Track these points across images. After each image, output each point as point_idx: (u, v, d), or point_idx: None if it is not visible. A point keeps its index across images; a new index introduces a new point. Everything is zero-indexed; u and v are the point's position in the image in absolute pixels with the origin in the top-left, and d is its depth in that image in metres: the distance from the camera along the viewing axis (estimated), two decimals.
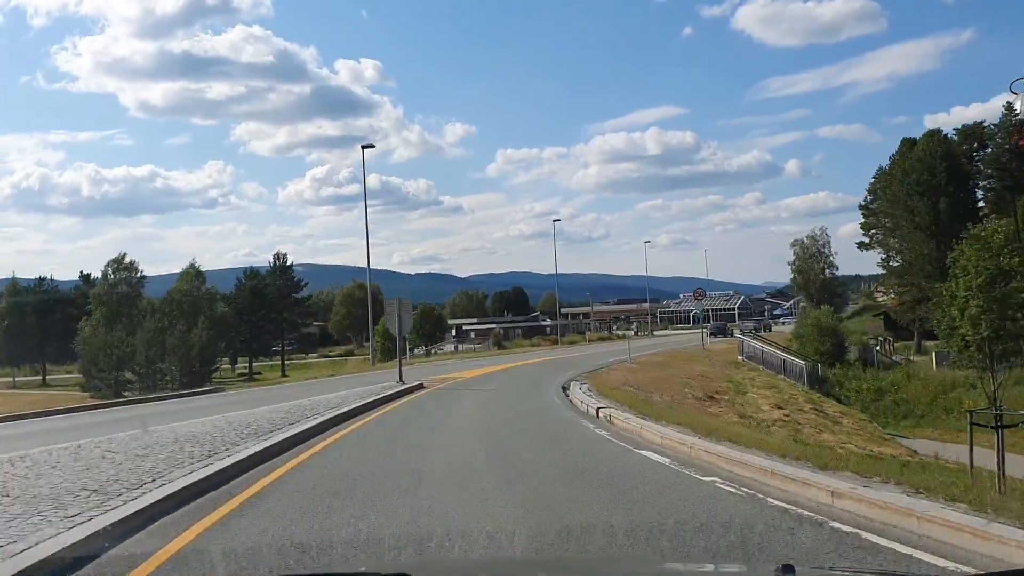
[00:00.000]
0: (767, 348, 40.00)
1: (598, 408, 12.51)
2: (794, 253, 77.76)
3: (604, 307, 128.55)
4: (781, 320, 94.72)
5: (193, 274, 69.28)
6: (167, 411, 18.25)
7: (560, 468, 7.64)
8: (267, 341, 71.83)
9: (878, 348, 50.67)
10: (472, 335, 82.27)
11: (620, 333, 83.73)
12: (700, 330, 54.37)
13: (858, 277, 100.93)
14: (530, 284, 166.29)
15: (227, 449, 8.79)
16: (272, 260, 73.25)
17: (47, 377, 71.41)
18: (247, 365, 70.54)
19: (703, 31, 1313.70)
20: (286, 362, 72.00)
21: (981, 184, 60.22)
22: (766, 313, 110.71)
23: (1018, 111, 14.52)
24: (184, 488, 6.54)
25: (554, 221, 72.07)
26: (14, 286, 72.26)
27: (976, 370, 23.52)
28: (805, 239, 78.57)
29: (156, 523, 5.53)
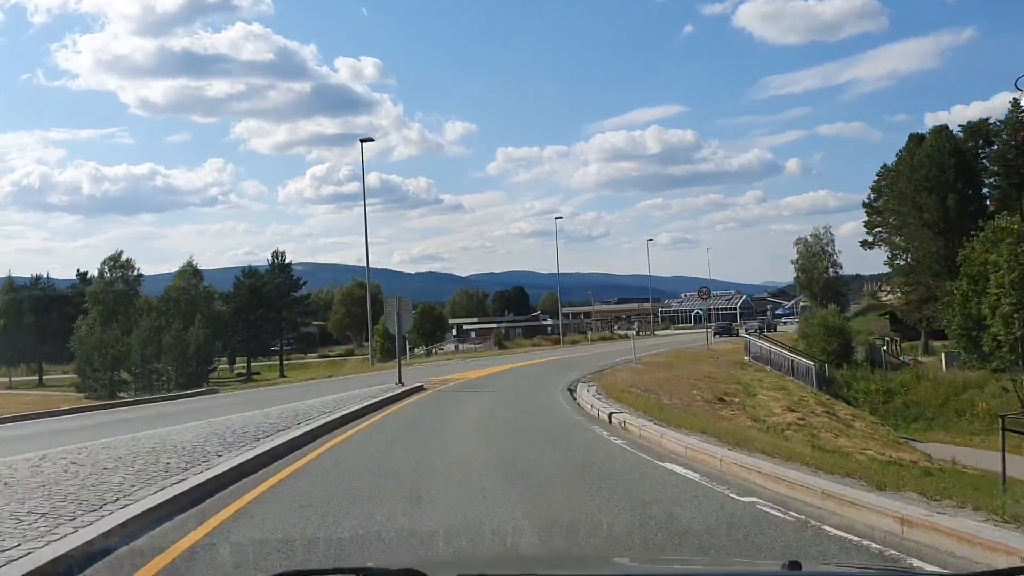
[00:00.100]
0: (774, 348, 39.20)
1: (610, 413, 11.68)
2: (797, 252, 77.10)
3: (605, 306, 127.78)
4: (783, 320, 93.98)
5: (190, 272, 68.50)
6: (154, 414, 17.45)
7: (579, 485, 6.82)
8: (266, 341, 71.02)
9: (884, 348, 49.90)
10: (473, 335, 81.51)
11: (622, 333, 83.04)
12: (704, 330, 53.56)
13: (859, 277, 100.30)
14: (530, 283, 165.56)
15: (206, 461, 7.98)
16: (271, 258, 72.46)
17: (44, 377, 70.51)
18: (245, 365, 69.78)
19: (704, 29, 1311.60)
20: (285, 362, 71.23)
21: (987, 181, 59.50)
22: (768, 313, 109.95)
23: None
24: (148, 511, 5.72)
25: (556, 218, 71.78)
26: (10, 284, 71.44)
27: (1008, 372, 22.65)
28: (809, 237, 77.92)
29: (104, 559, 4.70)
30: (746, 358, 38.65)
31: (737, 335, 61.28)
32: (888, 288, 74.30)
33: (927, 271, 52.72)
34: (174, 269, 71.64)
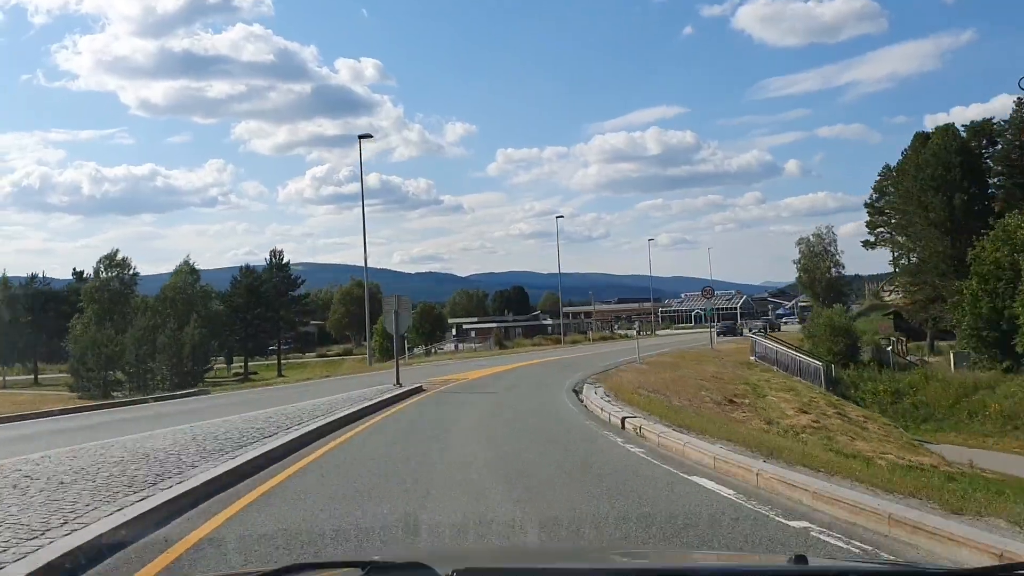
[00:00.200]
0: (781, 348, 38.43)
1: (623, 418, 10.81)
2: (799, 251, 76.29)
3: (605, 306, 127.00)
4: (784, 320, 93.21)
5: (187, 271, 67.64)
6: (139, 416, 16.59)
7: (597, 503, 5.98)
8: (263, 340, 70.21)
9: (890, 348, 49.09)
10: (472, 334, 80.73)
11: (622, 333, 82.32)
12: (708, 329, 52.76)
13: (858, 277, 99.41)
14: (530, 283, 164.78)
15: (179, 473, 7.14)
16: (268, 257, 71.57)
17: (39, 376, 69.60)
18: (243, 365, 68.94)
19: (703, 30, 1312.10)
20: (283, 361, 70.38)
21: (991, 181, 58.82)
22: (769, 313, 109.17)
23: None
24: (97, 538, 4.88)
25: (557, 217, 70.62)
26: (4, 283, 70.60)
27: None
28: (811, 237, 77.17)
29: None
30: (752, 358, 37.93)
31: (741, 335, 60.51)
32: (891, 288, 73.60)
33: (933, 271, 51.91)
34: (174, 269, 70.86)
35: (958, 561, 4.05)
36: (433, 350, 66.38)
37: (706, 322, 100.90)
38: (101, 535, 4.93)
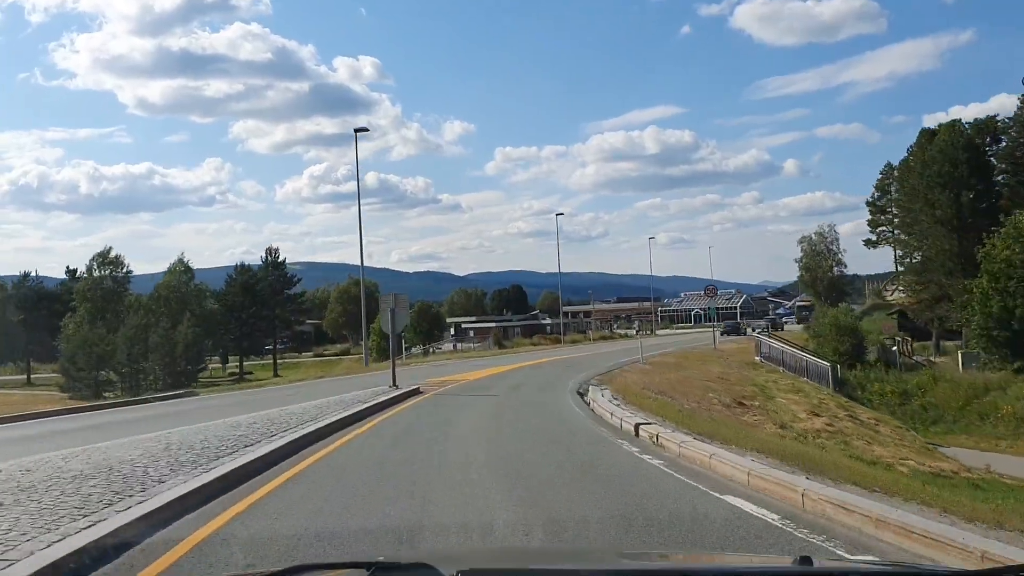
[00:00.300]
0: (787, 348, 37.64)
1: (637, 424, 9.92)
2: (801, 250, 75.53)
3: (604, 305, 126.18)
4: (783, 320, 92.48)
5: (181, 269, 66.75)
6: (118, 420, 15.71)
7: (626, 535, 5.11)
8: (259, 339, 69.32)
9: (894, 348, 48.30)
10: (471, 333, 79.89)
11: (621, 332, 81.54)
12: (710, 329, 51.95)
13: (857, 276, 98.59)
14: (529, 283, 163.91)
15: (142, 491, 6.28)
16: (264, 255, 70.65)
17: (32, 376, 68.65)
18: (238, 364, 68.08)
19: (701, 30, 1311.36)
20: (279, 361, 69.50)
21: (995, 179, 58.16)
22: (769, 312, 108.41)
23: None
24: None
25: (557, 215, 69.76)
26: None
27: None
28: (813, 236, 76.42)
29: None
30: (757, 358, 37.20)
31: (744, 334, 59.74)
32: (894, 287, 72.89)
33: (940, 269, 51.13)
34: (167, 267, 69.99)
35: None
36: (431, 350, 65.52)
37: (706, 321, 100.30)
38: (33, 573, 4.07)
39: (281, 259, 70.44)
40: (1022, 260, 34.66)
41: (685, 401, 18.77)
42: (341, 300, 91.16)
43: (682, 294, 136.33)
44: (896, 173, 73.64)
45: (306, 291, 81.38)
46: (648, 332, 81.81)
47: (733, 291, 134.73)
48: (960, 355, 42.88)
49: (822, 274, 75.19)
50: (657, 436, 8.85)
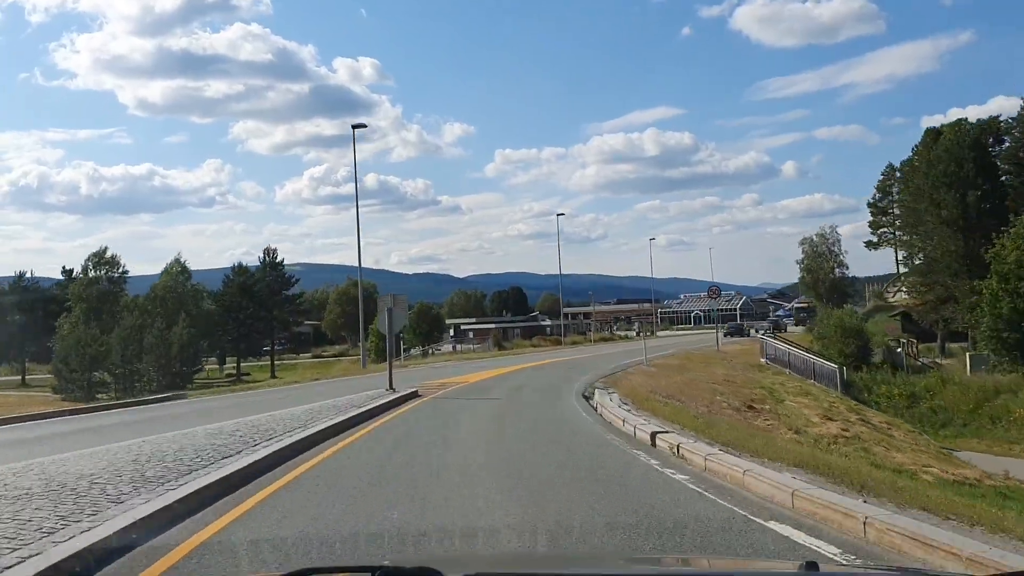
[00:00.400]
0: (793, 350, 36.90)
1: (653, 433, 9.10)
2: (803, 251, 74.76)
3: (604, 307, 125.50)
4: (783, 321, 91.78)
5: (178, 269, 65.96)
6: (94, 427, 14.82)
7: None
8: (256, 340, 68.54)
9: (899, 350, 47.56)
10: (471, 335, 79.12)
11: (622, 334, 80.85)
12: (712, 330, 51.16)
13: (855, 279, 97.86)
14: (528, 284, 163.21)
15: (93, 514, 5.48)
16: (262, 256, 69.82)
17: (28, 377, 67.82)
18: (235, 366, 67.30)
19: (701, 31, 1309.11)
20: (277, 362, 68.71)
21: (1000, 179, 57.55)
22: (769, 314, 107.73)
23: None
24: None
25: (558, 215, 69.20)
26: None
27: None
28: (814, 237, 75.64)
29: None
30: (762, 360, 36.51)
31: (748, 336, 59.00)
32: (895, 289, 72.21)
33: (945, 270, 50.39)
34: (163, 268, 69.16)
35: None
36: (430, 351, 64.74)
37: (706, 323, 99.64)
38: None
39: (279, 259, 69.62)
40: None
41: (694, 405, 18.02)
42: (340, 301, 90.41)
43: (682, 295, 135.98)
44: (898, 174, 73.02)
45: (304, 292, 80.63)
46: (649, 333, 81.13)
47: (733, 293, 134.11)
48: (968, 357, 42.15)
49: (823, 275, 74.45)
50: (678, 447, 8.04)
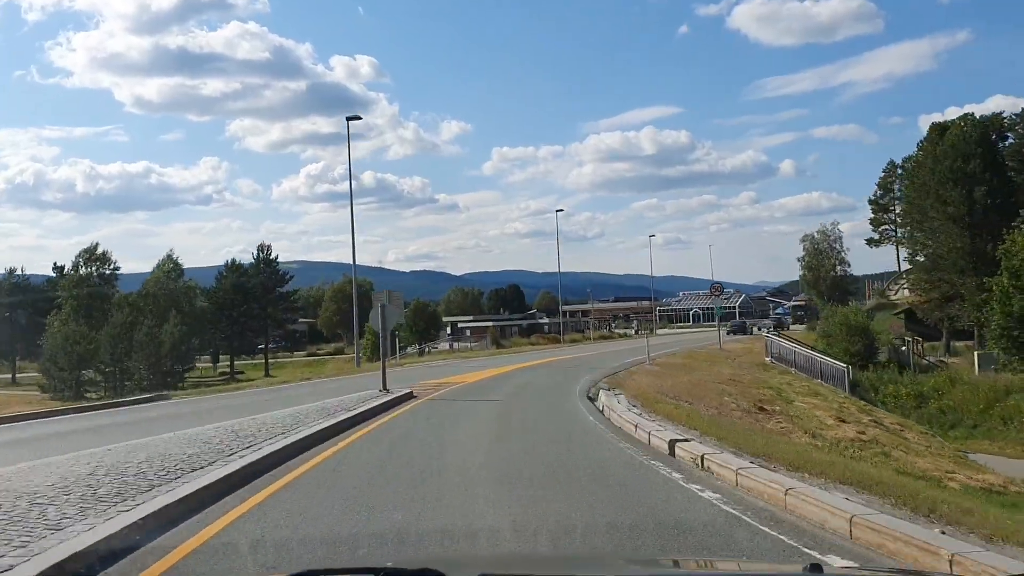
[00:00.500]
0: (799, 349, 36.09)
1: (672, 441, 8.19)
2: (804, 248, 74.02)
3: (602, 305, 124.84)
4: (782, 319, 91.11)
5: (170, 266, 64.98)
6: (63, 431, 13.78)
7: None
8: (250, 338, 67.56)
9: (903, 348, 46.79)
10: (468, 333, 78.28)
11: (620, 332, 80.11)
12: (713, 328, 50.35)
13: (854, 277, 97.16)
14: (525, 282, 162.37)
15: (21, 547, 4.58)
16: (256, 252, 68.81)
17: (17, 375, 66.80)
18: (229, 364, 66.36)
19: (699, 30, 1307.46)
20: (272, 360, 67.75)
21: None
22: (769, 312, 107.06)
23: None
24: None
25: (557, 211, 68.26)
26: None
27: None
28: (816, 234, 74.96)
29: None
30: (767, 359, 35.73)
31: (751, 334, 58.25)
32: (897, 286, 71.52)
33: (951, 267, 49.59)
34: (156, 264, 68.19)
35: None
36: (427, 349, 63.84)
37: (705, 321, 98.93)
38: None
39: (273, 256, 68.60)
40: None
41: (703, 407, 17.18)
42: (336, 299, 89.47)
43: (680, 293, 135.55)
44: (900, 171, 72.26)
45: (299, 289, 79.69)
46: (648, 332, 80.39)
47: (732, 291, 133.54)
48: (976, 356, 41.35)
49: (825, 273, 73.73)
50: (702, 458, 7.11)
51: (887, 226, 79.62)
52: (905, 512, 4.86)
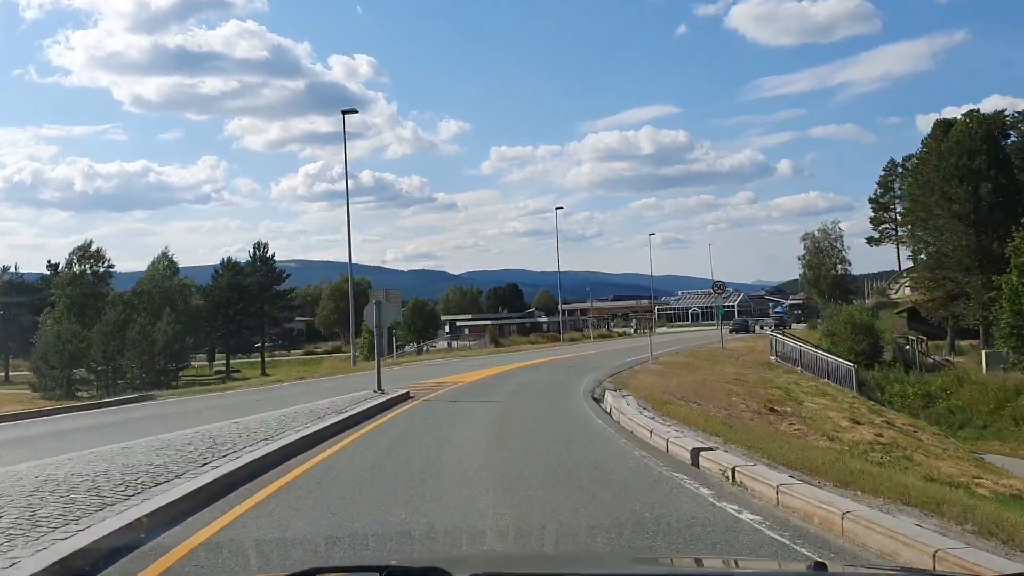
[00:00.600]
0: (805, 348, 35.33)
1: (695, 450, 7.34)
2: (804, 247, 73.35)
3: (601, 303, 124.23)
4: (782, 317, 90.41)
5: (164, 264, 64.13)
6: (32, 435, 12.90)
7: None
8: (246, 337, 66.73)
9: (908, 347, 46.08)
10: (466, 331, 77.54)
11: (619, 331, 79.43)
12: (715, 327, 49.61)
13: (853, 276, 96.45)
14: (524, 281, 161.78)
15: None
16: (252, 251, 67.96)
17: (10, 374, 65.92)
18: (225, 362, 65.54)
19: (697, 30, 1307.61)
20: (269, 359, 66.90)
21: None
22: (768, 311, 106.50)
23: None
24: None
25: (556, 209, 67.52)
26: None
27: None
28: (816, 232, 74.30)
29: None
30: (772, 358, 34.96)
31: (753, 332, 57.55)
32: (899, 285, 70.85)
33: (956, 265, 48.90)
34: (151, 262, 67.34)
35: None
36: (425, 348, 63.03)
37: (705, 319, 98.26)
38: None
39: (270, 254, 67.77)
40: None
41: (711, 408, 16.43)
42: (333, 297, 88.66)
43: (680, 292, 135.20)
44: (901, 169, 71.58)
45: (296, 287, 78.86)
46: (649, 330, 79.64)
47: (731, 289, 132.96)
48: (983, 355, 40.63)
49: (825, 272, 73.09)
50: (732, 471, 6.26)
51: (887, 225, 79.02)
52: (992, 543, 4.06)
